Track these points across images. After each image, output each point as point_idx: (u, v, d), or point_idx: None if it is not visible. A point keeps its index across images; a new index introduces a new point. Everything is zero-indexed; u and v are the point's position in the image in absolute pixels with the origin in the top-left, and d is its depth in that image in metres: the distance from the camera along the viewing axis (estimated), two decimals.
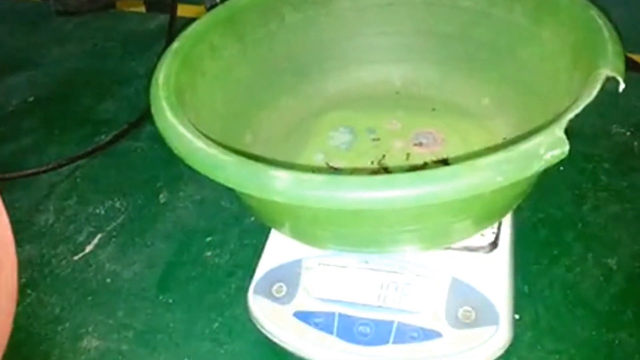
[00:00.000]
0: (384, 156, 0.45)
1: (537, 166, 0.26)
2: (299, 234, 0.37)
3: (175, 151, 0.31)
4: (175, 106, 0.33)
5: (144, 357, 0.41)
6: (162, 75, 0.35)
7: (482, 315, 0.34)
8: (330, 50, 0.50)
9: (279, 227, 0.38)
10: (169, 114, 0.32)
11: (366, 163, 0.45)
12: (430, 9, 0.47)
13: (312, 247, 0.38)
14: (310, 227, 0.35)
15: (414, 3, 0.47)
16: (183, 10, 0.77)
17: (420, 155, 0.44)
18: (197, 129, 0.31)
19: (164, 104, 0.33)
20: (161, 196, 0.55)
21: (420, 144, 0.45)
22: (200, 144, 0.29)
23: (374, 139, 0.46)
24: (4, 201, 0.31)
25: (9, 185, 0.57)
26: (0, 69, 0.83)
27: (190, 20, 0.43)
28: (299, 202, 0.26)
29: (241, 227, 0.50)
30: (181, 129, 0.31)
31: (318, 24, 0.48)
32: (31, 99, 0.75)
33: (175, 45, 0.39)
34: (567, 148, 0.26)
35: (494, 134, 0.44)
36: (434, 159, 0.44)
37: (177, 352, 0.41)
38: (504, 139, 0.44)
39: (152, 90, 0.35)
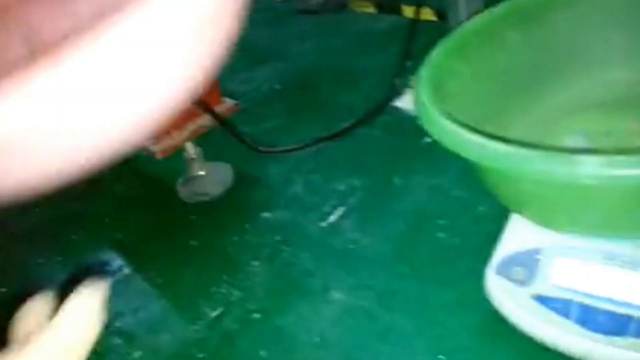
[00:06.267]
0: None
1: None
2: (543, 217, 0.40)
3: (462, 152, 0.35)
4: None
5: (385, 315, 0.47)
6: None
7: None
8: (571, 53, 0.51)
9: (524, 210, 0.41)
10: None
11: None
12: None
13: (553, 230, 0.40)
14: (557, 208, 0.38)
15: None
16: (408, 12, 0.83)
17: None
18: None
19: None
20: (395, 180, 0.61)
21: None
22: (499, 145, 0.34)
23: (612, 141, 0.47)
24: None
25: (263, 158, 0.68)
26: (252, 60, 0.96)
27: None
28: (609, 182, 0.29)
29: (472, 215, 0.54)
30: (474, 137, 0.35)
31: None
32: (278, 87, 0.86)
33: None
34: None
35: None
36: None
37: (415, 315, 0.46)
38: None
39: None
